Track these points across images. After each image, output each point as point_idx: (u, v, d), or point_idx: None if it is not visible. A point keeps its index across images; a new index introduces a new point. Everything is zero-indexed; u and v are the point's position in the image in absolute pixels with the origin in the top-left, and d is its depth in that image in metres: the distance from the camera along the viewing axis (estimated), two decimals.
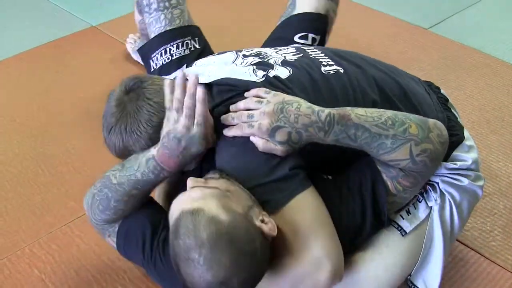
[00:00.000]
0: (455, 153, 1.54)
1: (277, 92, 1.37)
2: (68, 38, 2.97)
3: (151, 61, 1.94)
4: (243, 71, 1.49)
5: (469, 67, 2.71)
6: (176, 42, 1.91)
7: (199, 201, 1.20)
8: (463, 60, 2.76)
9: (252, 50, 1.62)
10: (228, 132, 1.38)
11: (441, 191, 1.51)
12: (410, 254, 1.48)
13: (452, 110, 1.67)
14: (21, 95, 2.54)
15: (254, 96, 1.38)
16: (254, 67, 1.50)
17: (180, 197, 1.25)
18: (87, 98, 2.49)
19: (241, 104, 1.39)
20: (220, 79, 1.47)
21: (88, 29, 3.06)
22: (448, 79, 2.61)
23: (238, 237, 1.17)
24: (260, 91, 1.38)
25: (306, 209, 1.33)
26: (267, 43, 1.99)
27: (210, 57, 1.66)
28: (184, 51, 1.91)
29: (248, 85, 1.43)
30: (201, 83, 1.43)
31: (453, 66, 2.72)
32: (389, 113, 1.34)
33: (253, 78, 1.46)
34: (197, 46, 1.94)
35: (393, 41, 2.93)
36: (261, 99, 1.36)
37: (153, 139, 1.43)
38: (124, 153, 1.48)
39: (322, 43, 1.98)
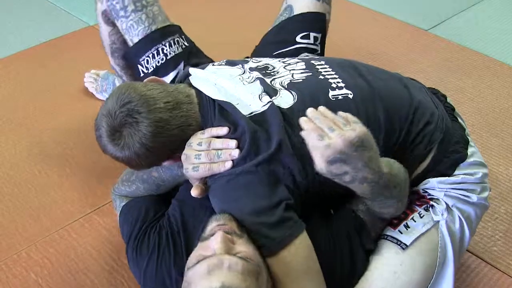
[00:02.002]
0: (457, 172, 1.52)
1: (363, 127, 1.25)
2: (66, 37, 2.95)
3: (139, 66, 1.87)
4: (248, 94, 1.44)
5: (469, 69, 2.70)
6: (167, 40, 1.85)
7: (240, 278, 1.14)
8: (463, 62, 2.75)
9: (259, 62, 1.58)
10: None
11: (448, 206, 1.49)
12: (424, 270, 1.43)
13: (459, 120, 1.64)
14: (18, 95, 2.52)
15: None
16: (262, 90, 1.45)
17: (217, 262, 1.16)
18: (84, 98, 2.47)
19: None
20: (224, 102, 1.43)
21: (85, 28, 3.04)
22: (448, 81, 2.60)
23: None
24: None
25: (300, 252, 1.33)
26: (268, 47, 1.94)
27: (216, 68, 1.59)
28: (177, 49, 1.86)
29: (238, 122, 1.39)
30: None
31: (453, 68, 2.70)
32: (399, 176, 1.36)
33: (256, 104, 1.42)
34: (186, 44, 1.90)
35: (393, 42, 2.91)
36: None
37: (146, 167, 1.48)
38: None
39: (323, 41, 1.94)
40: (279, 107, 1.41)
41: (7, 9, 3.25)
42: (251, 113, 1.40)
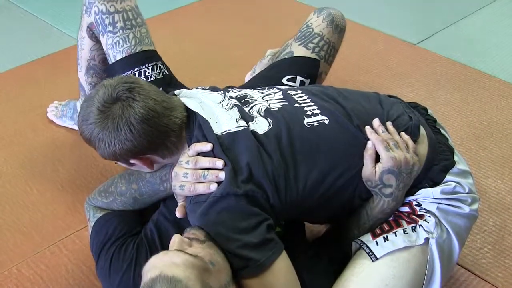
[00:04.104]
0: (448, 177, 1.53)
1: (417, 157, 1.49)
2: (57, 55, 2.96)
3: None
4: (227, 116, 1.47)
5: (458, 82, 2.72)
6: (151, 64, 1.88)
7: (180, 268, 1.16)
8: (451, 75, 2.78)
9: (238, 92, 1.62)
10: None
11: (440, 221, 1.49)
12: (413, 284, 1.44)
13: (442, 131, 1.66)
14: (10, 112, 2.53)
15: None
16: (239, 116, 1.48)
17: (162, 256, 1.22)
18: None
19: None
20: (203, 118, 1.45)
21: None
22: (437, 95, 2.62)
23: None
24: None
25: (282, 273, 1.34)
26: (256, 81, 1.97)
27: (200, 90, 1.62)
28: (158, 74, 1.88)
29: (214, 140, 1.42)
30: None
31: (442, 81, 2.73)
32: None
33: (231, 125, 1.45)
34: (166, 72, 1.93)
35: (382, 56, 2.94)
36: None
37: (116, 157, 1.45)
38: (84, 140, 1.48)
39: None
40: (255, 132, 1.44)
41: None
42: (224, 131, 1.43)
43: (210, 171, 1.37)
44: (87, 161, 2.22)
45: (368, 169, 1.45)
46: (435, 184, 1.52)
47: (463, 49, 3.01)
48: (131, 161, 1.47)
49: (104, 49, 1.93)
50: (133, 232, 1.58)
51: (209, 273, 1.21)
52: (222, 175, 1.35)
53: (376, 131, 1.49)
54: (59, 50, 2.99)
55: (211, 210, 1.34)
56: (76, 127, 2.34)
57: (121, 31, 1.88)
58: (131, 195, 1.59)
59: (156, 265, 1.18)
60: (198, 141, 1.42)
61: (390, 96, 1.69)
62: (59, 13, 3.39)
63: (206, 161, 1.38)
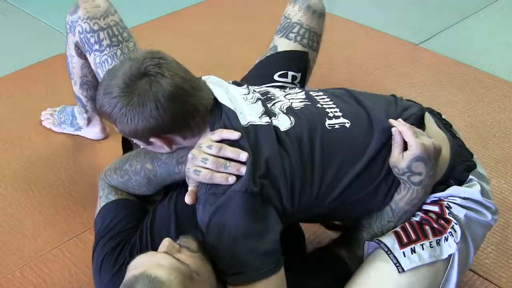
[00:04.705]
0: (472, 176, 1.53)
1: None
2: (60, 57, 2.94)
3: None
4: (250, 110, 1.44)
5: (461, 83, 2.72)
6: None
7: (165, 271, 1.16)
8: (454, 76, 2.77)
9: (260, 88, 1.59)
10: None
11: (463, 232, 1.46)
12: None
13: (458, 136, 1.65)
14: (12, 115, 2.53)
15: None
16: (263, 111, 1.44)
17: (149, 256, 1.22)
18: None
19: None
20: (228, 108, 1.41)
21: None
22: (440, 95, 2.62)
23: None
24: None
25: (278, 286, 1.33)
26: (249, 81, 1.95)
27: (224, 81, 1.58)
28: None
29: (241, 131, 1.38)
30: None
31: (444, 82, 2.73)
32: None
33: (254, 118, 1.41)
34: None
35: (384, 57, 2.93)
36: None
37: (136, 134, 1.40)
38: (100, 113, 1.42)
39: (302, 80, 1.95)
40: (277, 128, 1.41)
41: (0, 30, 3.27)
42: (248, 123, 1.39)
43: (232, 162, 1.33)
44: (89, 164, 2.23)
45: (395, 156, 1.42)
46: (460, 182, 1.51)
47: (466, 49, 3.01)
48: (151, 139, 1.42)
49: (93, 67, 1.89)
50: (134, 229, 1.55)
51: (193, 281, 1.19)
52: (243, 170, 1.32)
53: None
54: (61, 53, 2.99)
55: (227, 204, 1.31)
56: (77, 133, 2.34)
57: (108, 48, 1.83)
58: (145, 175, 1.53)
59: (142, 264, 1.18)
60: (225, 128, 1.38)
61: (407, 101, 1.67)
62: (61, 15, 3.37)
63: (230, 151, 1.34)
